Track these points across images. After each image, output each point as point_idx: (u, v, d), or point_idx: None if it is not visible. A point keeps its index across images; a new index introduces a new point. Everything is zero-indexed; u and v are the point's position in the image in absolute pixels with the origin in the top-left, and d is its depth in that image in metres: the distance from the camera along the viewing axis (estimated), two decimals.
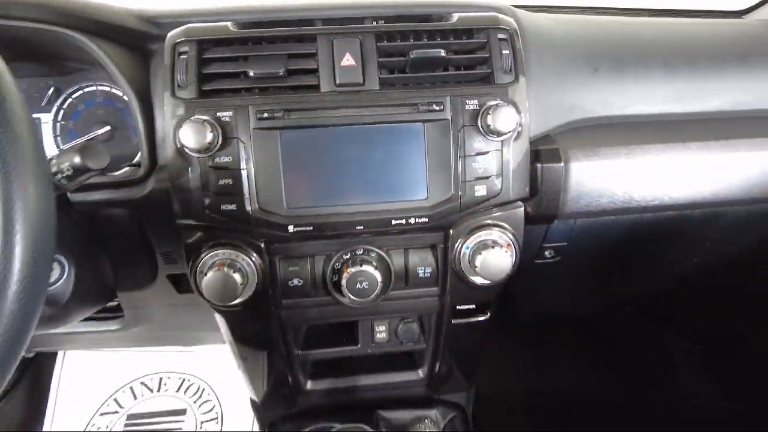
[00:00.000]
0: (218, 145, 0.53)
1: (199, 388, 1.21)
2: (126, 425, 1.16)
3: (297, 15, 0.64)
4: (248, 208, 0.55)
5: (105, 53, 0.58)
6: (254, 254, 0.59)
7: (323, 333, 0.76)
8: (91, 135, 0.70)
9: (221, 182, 0.55)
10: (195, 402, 1.19)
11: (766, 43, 0.79)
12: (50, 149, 0.71)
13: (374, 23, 0.64)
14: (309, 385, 0.80)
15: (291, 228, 0.56)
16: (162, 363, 1.24)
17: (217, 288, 0.56)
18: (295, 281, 0.63)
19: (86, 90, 0.70)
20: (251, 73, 0.55)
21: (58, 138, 0.71)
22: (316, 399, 0.81)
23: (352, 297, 0.60)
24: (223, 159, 0.54)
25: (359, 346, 0.76)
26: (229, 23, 0.58)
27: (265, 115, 0.54)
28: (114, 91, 0.70)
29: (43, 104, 0.70)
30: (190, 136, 0.52)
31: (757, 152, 0.69)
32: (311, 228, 0.57)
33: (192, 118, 0.52)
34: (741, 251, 0.82)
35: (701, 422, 1.08)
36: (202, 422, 1.16)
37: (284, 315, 0.66)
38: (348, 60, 0.56)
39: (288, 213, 0.56)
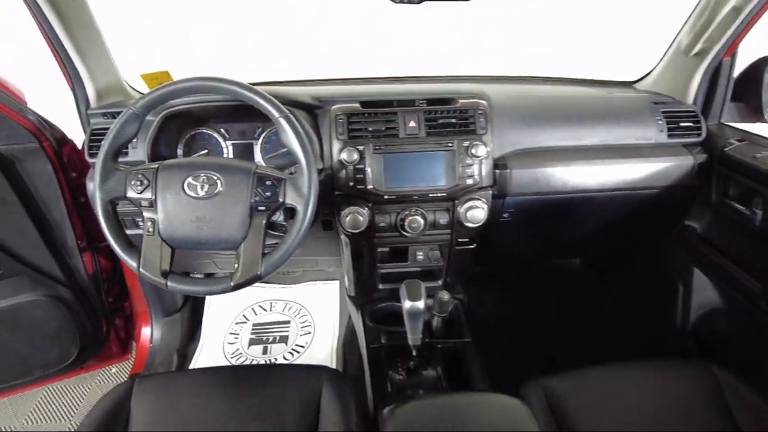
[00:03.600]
0: (357, 160, 1.24)
1: (297, 308, 1.92)
2: (252, 331, 1.87)
3: (385, 97, 1.34)
4: (369, 186, 1.25)
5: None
6: (366, 208, 1.29)
7: (390, 256, 1.45)
8: (279, 152, 1.41)
9: (357, 176, 1.24)
10: (295, 316, 1.90)
11: (626, 106, 1.47)
12: (258, 159, 1.41)
13: (419, 103, 1.34)
14: (380, 286, 1.51)
15: (386, 196, 1.27)
16: (270, 294, 1.96)
17: (351, 222, 1.26)
18: (382, 223, 1.32)
19: (276, 128, 1.41)
20: (370, 129, 1.26)
21: (261, 153, 1.42)
22: (384, 294, 1.51)
23: (410, 232, 1.30)
24: (359, 165, 1.24)
25: (408, 262, 1.46)
26: (357, 104, 1.29)
27: (377, 147, 1.25)
28: None
29: (255, 136, 1.41)
30: (347, 155, 1.22)
31: (610, 166, 1.38)
32: (395, 197, 1.27)
33: (347, 148, 1.23)
34: (609, 217, 1.52)
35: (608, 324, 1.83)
36: (300, 328, 1.86)
37: (375, 240, 1.36)
38: (412, 123, 1.27)
39: (385, 190, 1.26)
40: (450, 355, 1.34)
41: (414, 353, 1.23)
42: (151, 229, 1.01)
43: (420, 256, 1.44)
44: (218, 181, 1.00)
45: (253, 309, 1.92)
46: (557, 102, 1.46)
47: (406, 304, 1.16)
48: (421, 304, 1.16)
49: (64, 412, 1.73)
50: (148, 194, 1.00)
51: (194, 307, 1.91)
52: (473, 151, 1.25)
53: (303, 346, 1.77)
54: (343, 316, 1.85)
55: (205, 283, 1.03)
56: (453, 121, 1.28)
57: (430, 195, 1.28)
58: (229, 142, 1.40)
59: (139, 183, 1.00)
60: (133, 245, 1.03)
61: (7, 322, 1.52)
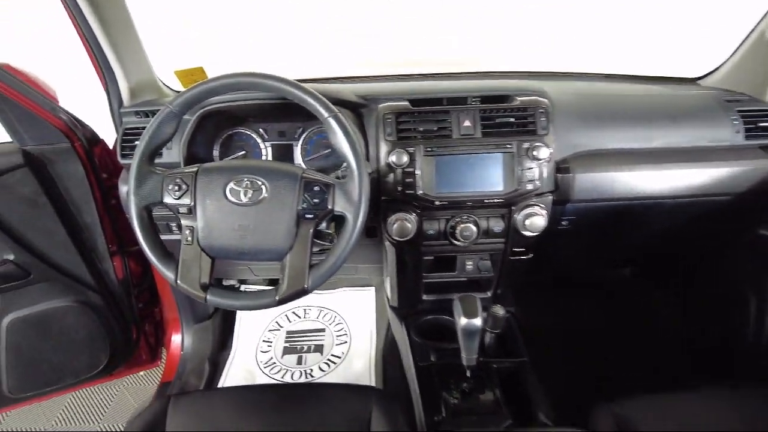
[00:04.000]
0: (407, 163, 1.14)
1: (332, 316, 1.84)
2: (286, 339, 1.79)
3: (434, 95, 1.24)
4: (419, 192, 1.15)
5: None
6: (414, 215, 1.19)
7: (436, 265, 1.35)
8: (321, 154, 1.32)
9: (407, 180, 1.15)
10: (330, 324, 1.82)
11: (696, 104, 1.35)
12: (298, 161, 1.33)
13: (472, 101, 1.24)
14: (425, 296, 1.41)
15: (437, 202, 1.17)
16: (304, 299, 1.87)
17: (399, 230, 1.17)
18: (430, 231, 1.23)
19: (318, 128, 1.32)
20: (421, 129, 1.17)
21: (301, 155, 1.33)
22: (427, 305, 1.42)
23: (462, 240, 1.20)
24: (409, 169, 1.15)
25: (456, 272, 1.36)
26: (406, 102, 1.19)
27: (428, 149, 1.15)
28: None
29: (295, 136, 1.32)
30: (396, 158, 1.13)
31: (681, 170, 1.26)
32: (447, 203, 1.17)
33: (397, 150, 1.13)
34: (675, 224, 1.39)
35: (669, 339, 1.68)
36: (336, 337, 1.77)
37: (423, 249, 1.27)
38: (467, 123, 1.16)
39: (436, 195, 1.16)
40: (506, 376, 1.24)
41: (468, 374, 1.13)
42: (189, 238, 0.94)
43: (469, 265, 1.34)
44: (263, 187, 0.92)
45: (286, 315, 1.85)
46: (621, 100, 1.34)
47: (462, 321, 1.06)
48: (478, 322, 1.06)
49: (94, 414, 1.72)
50: (186, 200, 0.93)
51: (226, 314, 1.84)
52: (534, 153, 1.14)
53: (339, 357, 1.69)
54: (380, 325, 1.76)
55: (247, 297, 0.95)
56: (511, 120, 1.18)
57: (486, 201, 1.17)
58: (267, 143, 1.32)
59: (176, 188, 0.93)
60: (169, 254, 0.95)
61: (38, 328, 1.47)
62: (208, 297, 0.93)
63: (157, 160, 1.00)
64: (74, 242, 1.42)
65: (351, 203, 0.93)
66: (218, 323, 1.82)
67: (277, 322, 1.82)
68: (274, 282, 1.17)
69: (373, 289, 1.91)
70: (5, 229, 1.32)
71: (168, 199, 0.93)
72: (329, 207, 0.93)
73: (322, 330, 1.79)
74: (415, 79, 1.53)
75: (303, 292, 0.94)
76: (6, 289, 1.39)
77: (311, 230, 0.94)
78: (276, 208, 0.92)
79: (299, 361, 1.69)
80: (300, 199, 0.92)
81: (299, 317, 1.84)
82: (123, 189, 1.31)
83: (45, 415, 1.71)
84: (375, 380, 1.57)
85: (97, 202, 1.41)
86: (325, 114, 0.94)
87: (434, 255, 1.30)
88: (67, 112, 1.36)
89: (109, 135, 1.42)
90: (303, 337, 1.78)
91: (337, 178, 0.99)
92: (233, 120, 1.29)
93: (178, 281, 0.93)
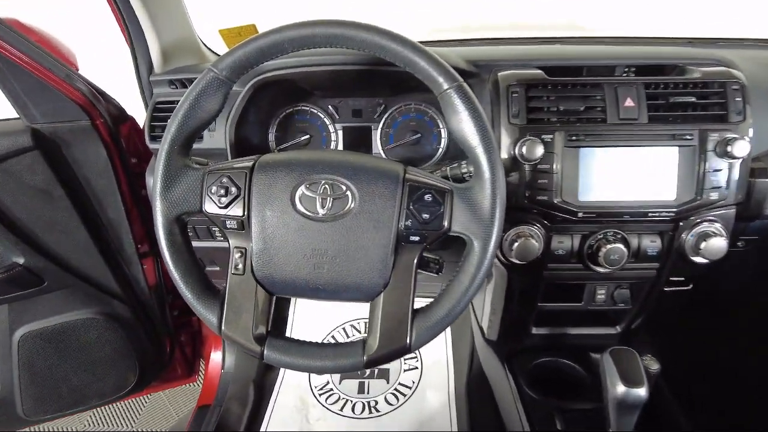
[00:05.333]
0: (541, 157, 0.81)
1: None
2: None
3: (571, 63, 0.90)
4: (555, 199, 0.82)
5: None
6: (541, 228, 0.86)
7: (555, 291, 1.02)
8: (407, 141, 1.00)
9: (539, 181, 0.82)
10: None
11: None
12: (377, 150, 1.01)
13: (623, 71, 0.89)
14: (534, 329, 1.08)
15: (580, 214, 0.83)
16: (364, 311, 1.58)
17: (521, 250, 0.84)
18: (560, 250, 0.90)
19: (404, 106, 1.00)
20: (561, 108, 0.82)
21: (380, 141, 1.01)
22: (537, 341, 1.09)
23: (605, 266, 0.87)
24: (544, 166, 0.81)
25: (582, 303, 1.02)
26: (538, 70, 0.85)
27: (572, 137, 0.81)
28: (425, 108, 1.00)
29: (375, 117, 1.00)
30: (528, 151, 0.79)
31: None
32: (593, 214, 0.83)
33: (528, 138, 0.80)
34: None
35: None
36: (403, 361, 1.47)
37: (546, 274, 0.94)
38: (629, 102, 0.81)
39: (580, 203, 0.82)
40: None
41: None
42: (240, 265, 0.64)
43: (601, 295, 1.01)
44: (348, 193, 0.62)
45: (344, 329, 1.55)
46: None
47: (618, 389, 0.74)
48: (643, 392, 0.74)
49: (127, 416, 1.63)
50: (237, 210, 0.63)
51: (278, 316, 1.57)
52: (728, 148, 0.78)
53: (409, 387, 1.39)
54: (459, 350, 1.44)
55: (322, 354, 0.65)
56: (691, 100, 0.82)
57: (650, 214, 0.83)
58: (338, 125, 1.00)
59: (223, 191, 0.63)
60: (211, 288, 0.66)
61: (55, 344, 1.23)
62: (266, 353, 0.64)
63: (196, 145, 0.70)
64: (96, 242, 1.15)
65: (478, 220, 0.61)
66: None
67: (332, 337, 1.53)
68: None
69: None
70: (12, 227, 1.07)
71: (210, 208, 0.63)
72: (444, 225, 0.62)
73: None
74: (534, 42, 1.17)
75: (403, 351, 0.64)
76: (16, 299, 1.14)
77: (416, 259, 0.63)
78: (367, 225, 0.62)
79: (361, 389, 1.40)
80: (403, 213, 0.61)
81: (359, 332, 1.54)
82: (149, 182, 1.02)
83: (78, 415, 1.57)
84: (457, 422, 1.26)
85: (123, 194, 1.14)
86: (445, 85, 0.61)
87: (560, 281, 0.97)
88: (88, 82, 1.08)
89: (139, 111, 1.13)
90: None
91: (459, 179, 0.68)
92: (295, 94, 0.98)
93: (224, 328, 0.64)
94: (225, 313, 0.64)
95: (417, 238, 0.62)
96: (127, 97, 1.15)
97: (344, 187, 0.62)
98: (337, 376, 1.44)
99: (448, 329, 1.51)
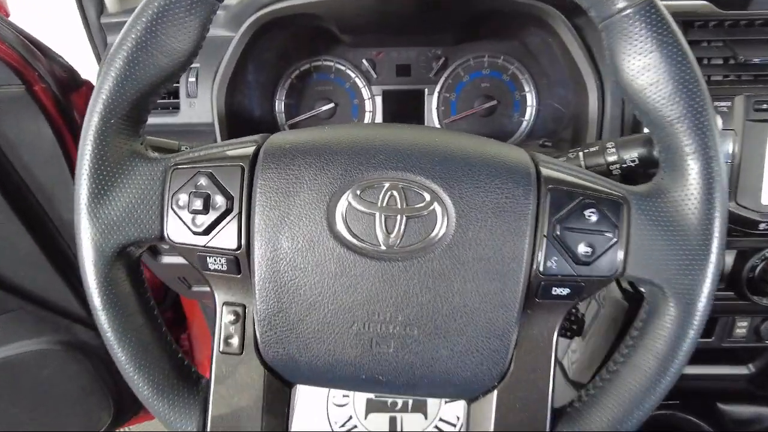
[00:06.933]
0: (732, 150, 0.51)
1: None
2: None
3: None
4: (732, 203, 0.53)
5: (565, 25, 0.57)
6: None
7: None
8: (476, 109, 0.70)
9: None
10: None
11: None
12: (432, 121, 0.71)
13: None
14: None
15: (762, 225, 0.54)
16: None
17: None
18: None
19: (474, 60, 0.70)
20: (741, 59, 0.52)
21: (437, 111, 0.71)
22: None
23: None
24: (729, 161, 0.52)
25: (713, 339, 0.74)
26: (706, 1, 0.55)
27: (764, 105, 0.51)
28: (504, 63, 0.69)
29: (430, 75, 0.70)
30: None
31: None
32: None
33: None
34: None
35: None
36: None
37: None
38: None
39: (764, 209, 0.53)
40: None
41: None
42: (234, 339, 0.37)
43: (741, 329, 0.73)
44: (436, 206, 0.33)
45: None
46: None
47: None
48: None
49: None
50: (227, 238, 0.35)
51: None
52: None
53: (453, 425, 1.11)
54: None
55: None
56: None
57: None
58: (376, 88, 0.70)
59: (200, 201, 0.35)
60: (187, 374, 0.38)
61: (3, 382, 0.95)
62: None
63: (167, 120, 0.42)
64: (45, 252, 0.87)
65: (679, 256, 0.33)
66: None
67: None
68: None
69: None
70: None
71: (178, 232, 0.35)
72: (618, 267, 0.34)
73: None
74: None
75: None
76: None
77: (557, 327, 0.36)
78: (472, 268, 0.33)
79: (392, 425, 1.13)
80: (540, 245, 0.33)
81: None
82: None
83: None
84: None
85: None
86: (621, 2, 0.31)
87: None
88: (22, 33, 0.78)
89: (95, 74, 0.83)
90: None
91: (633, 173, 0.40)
92: (314, 41, 0.68)
93: None
94: (210, 420, 0.36)
95: (566, 291, 0.33)
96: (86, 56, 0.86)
97: (428, 196, 0.32)
98: (362, 409, 1.16)
99: None
